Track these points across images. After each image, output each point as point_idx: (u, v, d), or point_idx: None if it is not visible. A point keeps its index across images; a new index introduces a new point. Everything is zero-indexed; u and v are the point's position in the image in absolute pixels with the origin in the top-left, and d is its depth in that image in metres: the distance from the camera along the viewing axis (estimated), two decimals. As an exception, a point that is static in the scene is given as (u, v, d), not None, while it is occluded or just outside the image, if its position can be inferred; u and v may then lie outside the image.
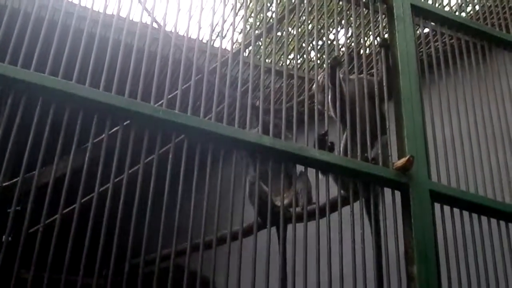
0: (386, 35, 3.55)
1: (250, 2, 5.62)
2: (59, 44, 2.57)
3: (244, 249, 2.50)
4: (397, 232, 2.80)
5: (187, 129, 2.62)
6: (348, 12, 3.62)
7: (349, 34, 5.02)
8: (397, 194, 2.94)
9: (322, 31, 3.92)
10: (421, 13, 3.64)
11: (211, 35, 3.23)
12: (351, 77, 3.62)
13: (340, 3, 3.48)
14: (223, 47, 4.74)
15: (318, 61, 4.32)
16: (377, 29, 4.34)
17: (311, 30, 4.05)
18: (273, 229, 3.03)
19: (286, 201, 3.54)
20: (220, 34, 3.69)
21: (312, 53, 5.12)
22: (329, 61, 3.51)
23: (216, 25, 3.63)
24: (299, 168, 2.89)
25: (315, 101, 3.25)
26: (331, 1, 3.61)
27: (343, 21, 3.50)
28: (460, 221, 2.96)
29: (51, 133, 2.37)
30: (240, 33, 6.44)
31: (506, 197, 3.19)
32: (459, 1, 4.93)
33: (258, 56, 5.09)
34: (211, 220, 2.48)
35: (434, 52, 3.58)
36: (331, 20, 3.66)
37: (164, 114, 2.60)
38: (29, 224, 2.23)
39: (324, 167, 2.87)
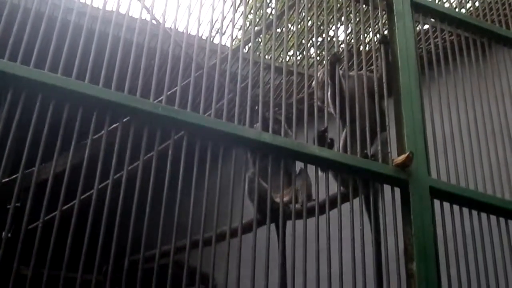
0: (385, 32, 3.55)
1: (250, -2, 5.62)
2: (58, 41, 2.56)
3: (244, 246, 2.50)
4: (396, 229, 2.80)
5: (187, 125, 2.62)
6: (347, 9, 3.62)
7: (349, 30, 5.01)
8: (397, 190, 2.94)
9: (321, 27, 3.91)
10: (421, 10, 3.63)
11: (210, 32, 3.22)
12: (350, 73, 3.62)
13: (340, -1, 3.48)
14: (223, 43, 4.73)
15: (318, 58, 4.32)
16: (376, 26, 4.34)
17: (311, 26, 4.04)
18: (273, 226, 3.04)
19: (285, 198, 3.54)
20: (219, 31, 3.69)
21: (312, 50, 5.10)
22: (328, 57, 3.50)
23: (215, 21, 3.62)
24: (299, 165, 2.89)
25: (315, 97, 3.25)
26: (330, -2, 3.61)
27: (342, 18, 3.49)
28: (460, 218, 2.96)
29: (50, 129, 2.37)
30: (239, 29, 6.43)
31: (506, 193, 3.19)
32: (459, -3, 4.92)
33: (257, 53, 5.09)
34: (211, 216, 2.48)
35: (434, 48, 3.57)
36: (331, 16, 3.65)
37: (164, 111, 2.59)
38: (28, 221, 2.22)
39: (323, 164, 2.87)
